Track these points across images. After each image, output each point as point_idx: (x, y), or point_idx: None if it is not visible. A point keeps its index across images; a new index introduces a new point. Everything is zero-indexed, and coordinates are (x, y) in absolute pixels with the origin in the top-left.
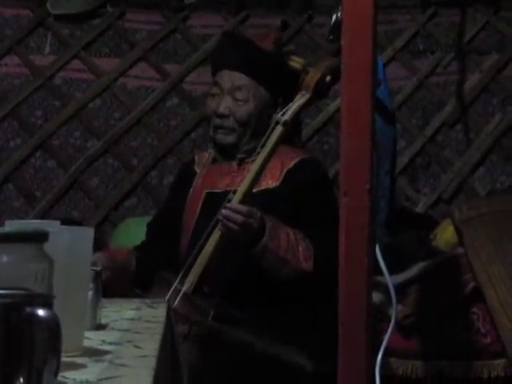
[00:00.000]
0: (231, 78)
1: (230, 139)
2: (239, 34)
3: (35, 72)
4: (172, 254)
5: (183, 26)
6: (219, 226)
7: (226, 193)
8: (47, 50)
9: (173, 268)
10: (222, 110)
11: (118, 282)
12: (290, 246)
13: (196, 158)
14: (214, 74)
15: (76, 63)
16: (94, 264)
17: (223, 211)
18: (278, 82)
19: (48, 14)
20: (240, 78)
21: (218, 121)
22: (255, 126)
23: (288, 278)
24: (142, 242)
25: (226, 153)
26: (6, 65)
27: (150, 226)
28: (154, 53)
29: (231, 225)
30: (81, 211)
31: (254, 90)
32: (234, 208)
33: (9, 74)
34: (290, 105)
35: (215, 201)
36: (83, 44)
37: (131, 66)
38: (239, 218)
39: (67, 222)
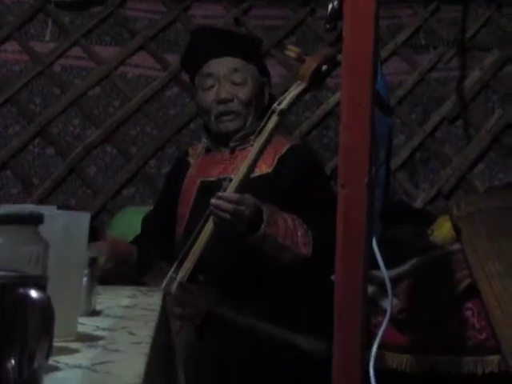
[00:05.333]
0: (222, 64)
1: (235, 125)
2: (210, 26)
3: (35, 59)
4: (166, 244)
5: (184, 15)
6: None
7: (220, 181)
8: (47, 36)
9: (167, 257)
10: (224, 95)
11: (121, 272)
12: (289, 232)
13: (190, 150)
14: (195, 70)
15: (76, 51)
16: (97, 253)
17: (212, 201)
18: (260, 58)
19: (49, 0)
20: (231, 62)
21: (221, 107)
22: (256, 107)
23: (287, 264)
24: (138, 235)
25: (225, 140)
26: (5, 51)
27: (146, 220)
28: (155, 42)
29: (221, 214)
30: (78, 199)
31: (248, 70)
32: (223, 196)
33: (8, 60)
34: (285, 94)
35: (209, 189)
36: (84, 31)
37: (131, 55)
38: (229, 206)
39: (64, 208)
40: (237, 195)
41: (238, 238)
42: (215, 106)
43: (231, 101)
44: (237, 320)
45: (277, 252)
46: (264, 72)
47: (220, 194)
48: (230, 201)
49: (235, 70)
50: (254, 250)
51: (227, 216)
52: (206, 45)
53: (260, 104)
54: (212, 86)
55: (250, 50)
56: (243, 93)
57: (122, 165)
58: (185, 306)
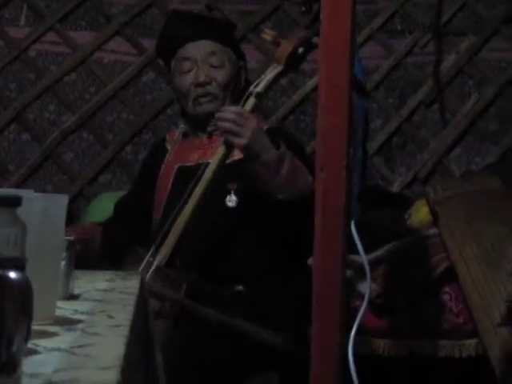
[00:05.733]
0: (199, 47)
1: (212, 107)
2: (184, 10)
3: (10, 44)
4: (143, 230)
5: (160, 0)
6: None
7: (198, 166)
8: (22, 21)
9: (145, 244)
10: (202, 78)
11: (84, 254)
12: (299, 164)
13: (167, 136)
14: (170, 55)
15: (51, 36)
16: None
17: (217, 113)
18: (236, 43)
19: None
20: (208, 45)
21: (200, 90)
22: (232, 91)
23: (299, 195)
24: (109, 218)
25: (202, 124)
26: None
27: (119, 204)
28: (131, 27)
29: (225, 124)
30: (55, 185)
31: (225, 53)
32: (226, 108)
33: None
34: (262, 77)
35: (187, 174)
36: (59, 16)
37: (107, 40)
38: (232, 115)
39: None
40: (239, 107)
41: (256, 163)
42: (193, 89)
43: (209, 83)
44: (207, 314)
45: (295, 172)
46: (240, 56)
47: (223, 108)
48: (232, 111)
49: (212, 53)
50: (271, 178)
51: (230, 125)
52: (181, 29)
53: (237, 88)
54: (189, 70)
55: (226, 34)
56: (221, 75)
57: (98, 151)
58: (163, 295)
